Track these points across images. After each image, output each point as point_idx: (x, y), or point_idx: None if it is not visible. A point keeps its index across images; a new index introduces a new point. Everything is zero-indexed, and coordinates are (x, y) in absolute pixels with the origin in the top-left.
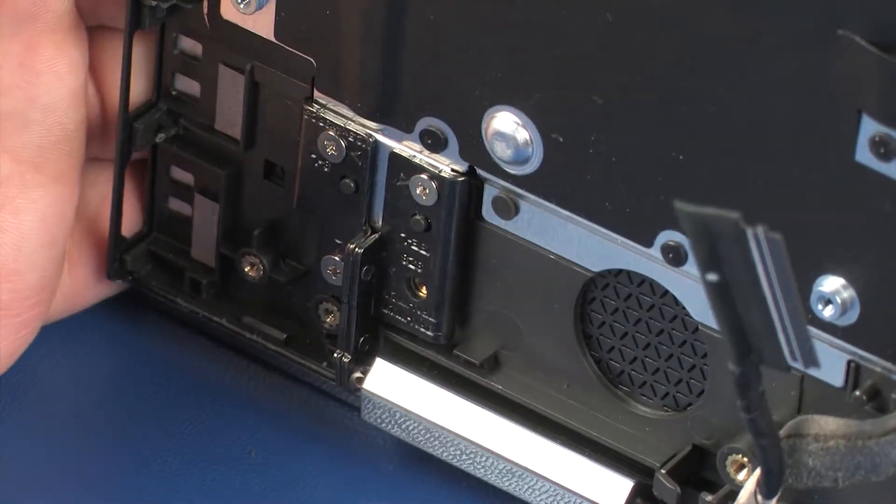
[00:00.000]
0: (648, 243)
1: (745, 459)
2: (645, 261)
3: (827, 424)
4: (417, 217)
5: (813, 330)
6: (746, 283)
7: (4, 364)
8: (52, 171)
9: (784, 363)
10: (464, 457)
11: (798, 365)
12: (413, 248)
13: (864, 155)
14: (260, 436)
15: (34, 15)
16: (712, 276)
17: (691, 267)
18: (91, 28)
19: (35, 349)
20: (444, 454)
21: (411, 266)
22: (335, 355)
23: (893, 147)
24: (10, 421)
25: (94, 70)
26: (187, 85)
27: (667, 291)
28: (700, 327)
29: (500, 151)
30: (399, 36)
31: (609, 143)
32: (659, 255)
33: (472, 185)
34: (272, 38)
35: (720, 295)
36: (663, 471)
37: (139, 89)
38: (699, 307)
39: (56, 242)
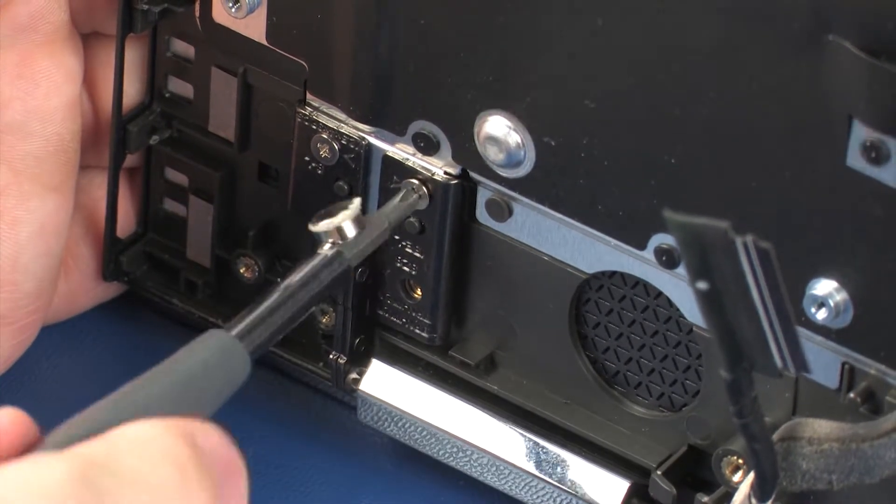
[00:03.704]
0: (641, 246)
1: (741, 461)
2: (639, 263)
3: (821, 427)
4: (411, 219)
5: (807, 332)
6: (736, 291)
7: (1, 368)
8: (49, 181)
9: (775, 369)
10: (460, 456)
11: (789, 371)
12: (407, 250)
13: (855, 160)
14: (257, 435)
15: (33, 26)
16: (702, 285)
17: (684, 269)
18: (84, 35)
19: (33, 349)
20: (441, 454)
21: (406, 268)
22: (331, 356)
23: (884, 152)
24: None
25: (87, 77)
26: (181, 87)
27: (661, 293)
28: (694, 328)
29: (493, 155)
30: (391, 39)
31: (601, 147)
32: (652, 257)
33: (465, 188)
34: (264, 42)
35: (711, 303)
36: (659, 471)
37: (132, 93)
38: (693, 309)
39: (52, 251)
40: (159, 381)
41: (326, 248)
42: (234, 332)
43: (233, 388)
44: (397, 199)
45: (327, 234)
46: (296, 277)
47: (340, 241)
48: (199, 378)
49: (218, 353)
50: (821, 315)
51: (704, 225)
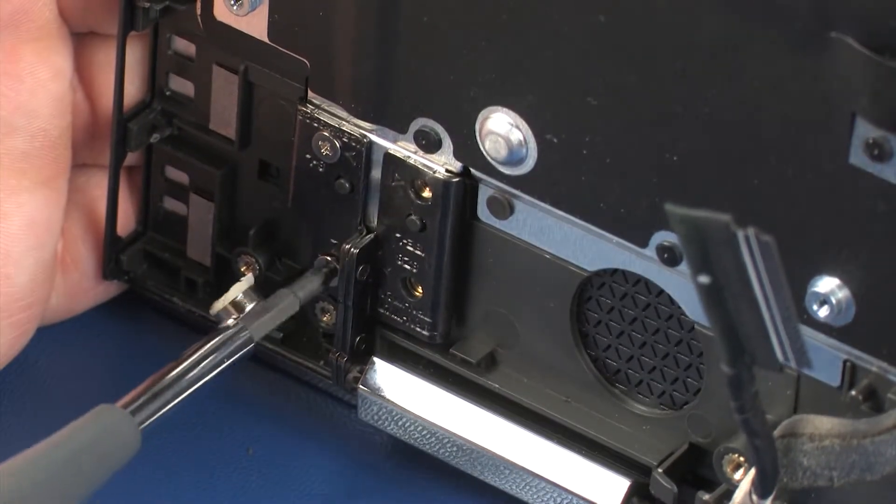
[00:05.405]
0: (643, 244)
1: (742, 459)
2: (640, 260)
3: (822, 424)
4: (413, 217)
5: (809, 330)
6: (738, 285)
7: (0, 364)
8: (37, 176)
9: (776, 364)
10: (460, 455)
11: (790, 365)
12: (408, 248)
13: (857, 157)
14: (258, 434)
15: (16, 23)
16: (704, 279)
17: (686, 267)
18: (81, 35)
19: (32, 349)
20: (441, 452)
21: (407, 266)
22: (332, 354)
23: (887, 149)
24: (8, 420)
25: (84, 76)
26: (181, 85)
27: (662, 291)
28: (696, 326)
29: (495, 152)
30: (393, 37)
31: (603, 144)
32: (654, 255)
33: (466, 186)
34: (266, 40)
35: (712, 297)
36: (660, 469)
37: (132, 91)
38: (694, 306)
39: (45, 245)
40: (47, 456)
41: (230, 324)
42: (127, 406)
43: (122, 462)
44: (309, 274)
45: (226, 311)
46: (195, 353)
47: (241, 316)
48: (87, 454)
49: (108, 428)
50: (823, 312)
51: (706, 218)
